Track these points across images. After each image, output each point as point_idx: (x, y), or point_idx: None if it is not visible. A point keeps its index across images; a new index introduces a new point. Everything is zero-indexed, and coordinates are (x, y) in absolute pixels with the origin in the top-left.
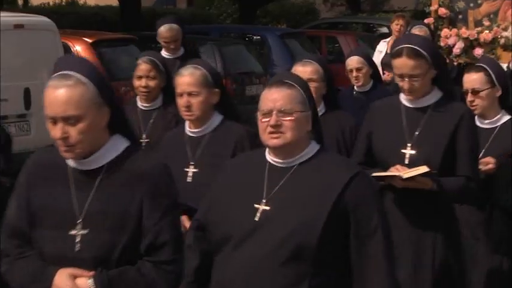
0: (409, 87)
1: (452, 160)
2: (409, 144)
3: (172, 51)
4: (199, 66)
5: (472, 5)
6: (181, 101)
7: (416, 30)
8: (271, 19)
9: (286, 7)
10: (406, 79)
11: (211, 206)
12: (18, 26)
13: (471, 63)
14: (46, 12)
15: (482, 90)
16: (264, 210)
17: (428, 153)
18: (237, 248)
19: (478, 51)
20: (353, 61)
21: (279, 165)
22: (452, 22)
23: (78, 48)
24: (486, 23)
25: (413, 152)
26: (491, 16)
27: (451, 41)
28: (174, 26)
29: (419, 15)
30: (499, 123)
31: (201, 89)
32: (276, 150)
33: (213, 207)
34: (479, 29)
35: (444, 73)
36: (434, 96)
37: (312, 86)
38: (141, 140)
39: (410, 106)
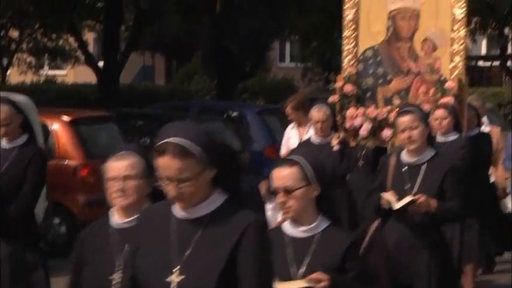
0: (177, 194)
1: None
2: (176, 268)
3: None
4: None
5: (381, 81)
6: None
7: (315, 111)
8: (249, 95)
9: (265, 83)
10: (174, 183)
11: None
12: None
13: (380, 147)
14: (24, 90)
15: (295, 189)
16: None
17: (199, 280)
18: None
19: (387, 133)
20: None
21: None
22: (360, 100)
23: (56, 127)
24: (396, 101)
25: (181, 277)
26: (402, 93)
27: (357, 122)
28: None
29: None
30: (316, 231)
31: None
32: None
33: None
34: (388, 107)
35: (226, 172)
36: (214, 202)
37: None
38: None
39: (182, 217)
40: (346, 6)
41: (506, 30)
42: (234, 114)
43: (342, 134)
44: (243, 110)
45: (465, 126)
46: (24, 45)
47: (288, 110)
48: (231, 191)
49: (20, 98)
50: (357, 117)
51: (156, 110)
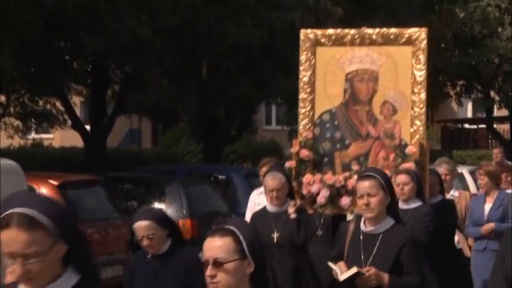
0: (23, 273)
1: None
2: None
3: None
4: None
5: (339, 146)
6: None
7: (269, 178)
8: (236, 157)
9: (252, 146)
10: (20, 260)
11: None
12: None
13: (340, 215)
14: (11, 154)
15: (226, 262)
16: None
17: None
18: None
19: (346, 201)
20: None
21: None
22: (317, 166)
23: (44, 191)
24: (355, 167)
25: None
26: (361, 159)
27: (314, 189)
28: None
29: None
30: None
31: None
32: None
33: None
34: (347, 174)
35: (80, 248)
36: (65, 283)
37: None
38: None
39: None
40: (301, 68)
41: (492, 93)
42: (221, 177)
43: (298, 201)
44: (229, 174)
45: (427, 193)
46: (11, 109)
47: (264, 170)
48: (84, 269)
49: (7, 162)
50: (314, 184)
51: (143, 174)
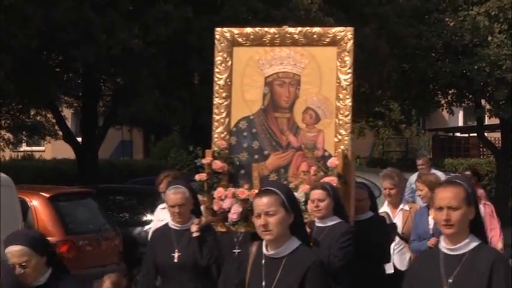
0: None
1: None
2: None
3: None
4: None
5: (257, 157)
6: None
7: (171, 193)
8: None
9: None
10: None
11: None
12: None
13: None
14: (2, 167)
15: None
16: None
17: None
18: None
19: None
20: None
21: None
22: (233, 179)
23: (35, 203)
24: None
25: None
26: (281, 171)
27: (226, 204)
28: None
29: (374, 162)
30: None
31: None
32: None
33: None
34: None
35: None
36: None
37: None
38: None
39: None
40: (216, 71)
41: (483, 102)
42: None
43: (204, 219)
44: None
45: (351, 210)
46: (1, 122)
47: (162, 187)
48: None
49: None
50: (225, 199)
51: (134, 186)
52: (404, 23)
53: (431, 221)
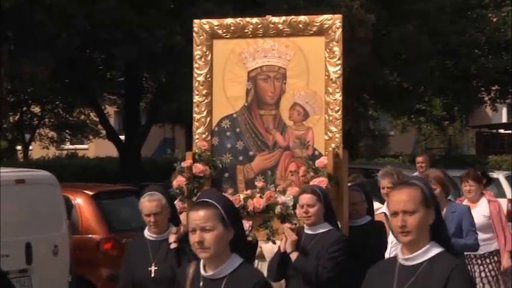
0: None
1: None
2: None
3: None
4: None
5: (241, 158)
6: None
7: (146, 200)
8: None
9: None
10: None
11: None
12: (20, 181)
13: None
14: (46, 165)
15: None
16: None
17: None
18: None
19: (244, 225)
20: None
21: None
22: (216, 183)
23: (79, 201)
24: (259, 183)
25: None
26: (268, 174)
27: None
28: None
29: None
30: None
31: None
32: None
33: None
34: (248, 192)
35: None
36: None
37: None
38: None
39: None
40: (196, 66)
41: None
42: None
43: (182, 228)
44: None
45: (344, 214)
46: (46, 120)
47: None
48: None
49: (42, 173)
50: None
51: None
52: (447, 20)
53: None
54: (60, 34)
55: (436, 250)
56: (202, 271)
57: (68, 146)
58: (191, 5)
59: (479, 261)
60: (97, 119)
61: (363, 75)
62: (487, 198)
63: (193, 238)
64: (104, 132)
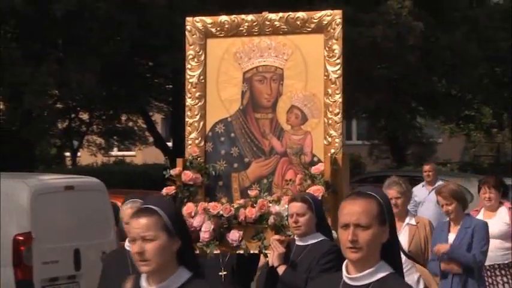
0: None
1: None
2: None
3: None
4: None
5: (236, 165)
6: None
7: (128, 207)
8: None
9: None
10: None
11: None
12: (69, 188)
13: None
14: (94, 172)
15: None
16: None
17: None
18: None
19: (234, 235)
20: None
21: None
22: (210, 192)
23: None
24: (252, 192)
25: None
26: (265, 182)
27: (196, 222)
28: None
29: (465, 167)
30: None
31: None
32: None
33: None
34: (241, 202)
35: None
36: None
37: None
38: None
39: None
40: (188, 67)
41: None
42: None
43: None
44: None
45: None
46: (94, 127)
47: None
48: None
49: (91, 179)
50: (196, 216)
51: None
52: (496, 26)
53: (450, 239)
54: (109, 41)
55: (385, 271)
56: (144, 286)
57: (116, 152)
58: (238, 11)
59: (502, 272)
60: (144, 126)
61: (411, 82)
62: (507, 206)
63: (133, 249)
64: (151, 139)
